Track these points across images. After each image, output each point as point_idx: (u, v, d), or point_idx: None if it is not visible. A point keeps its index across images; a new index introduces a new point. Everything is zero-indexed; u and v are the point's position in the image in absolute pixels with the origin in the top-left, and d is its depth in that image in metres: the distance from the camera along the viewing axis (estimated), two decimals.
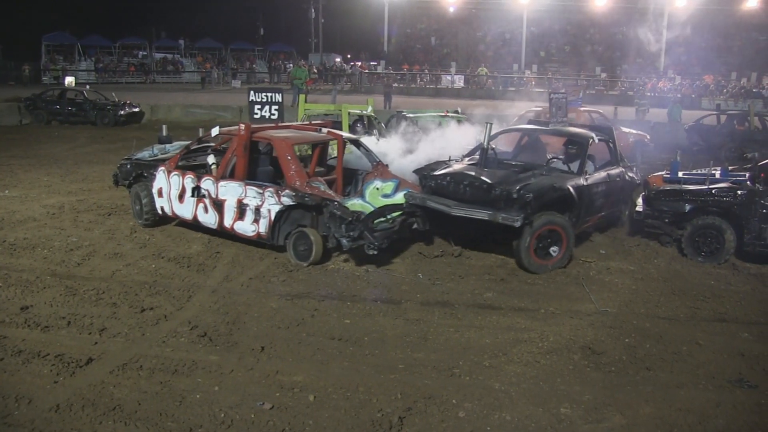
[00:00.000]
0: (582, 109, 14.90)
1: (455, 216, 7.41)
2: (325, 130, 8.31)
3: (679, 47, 43.16)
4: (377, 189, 8.01)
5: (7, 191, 10.78)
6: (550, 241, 7.30)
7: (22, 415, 4.22)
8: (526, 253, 7.20)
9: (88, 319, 5.73)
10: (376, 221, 7.33)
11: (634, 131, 14.87)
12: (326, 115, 12.53)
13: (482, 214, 7.20)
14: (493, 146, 8.59)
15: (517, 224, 6.98)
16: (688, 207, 7.99)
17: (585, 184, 7.89)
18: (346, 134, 8.61)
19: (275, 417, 4.29)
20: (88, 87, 24.79)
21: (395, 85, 35.31)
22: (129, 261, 7.38)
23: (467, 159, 8.70)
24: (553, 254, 7.34)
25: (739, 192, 7.78)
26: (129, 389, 4.57)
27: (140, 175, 8.71)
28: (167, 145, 9.86)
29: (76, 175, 12.50)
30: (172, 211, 8.36)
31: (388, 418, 4.30)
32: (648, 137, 15.31)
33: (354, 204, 7.55)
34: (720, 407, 4.57)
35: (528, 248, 7.18)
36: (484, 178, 7.52)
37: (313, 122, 9.07)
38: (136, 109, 22.49)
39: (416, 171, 8.37)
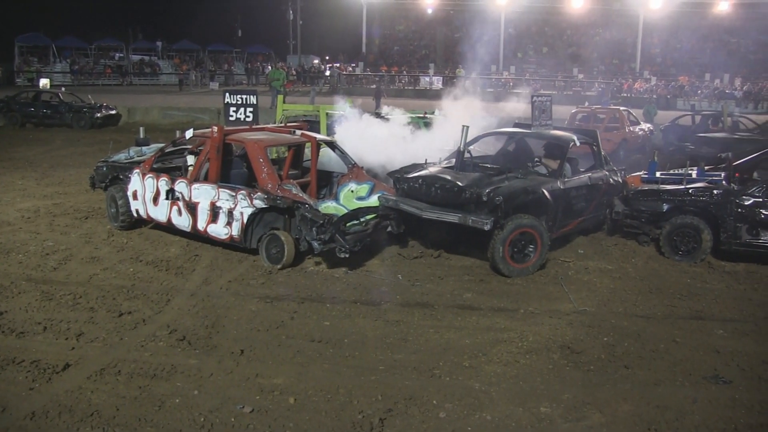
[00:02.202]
0: (620, 107, 18.04)
1: (427, 219, 7.41)
2: (298, 132, 8.29)
3: (654, 49, 43.81)
4: (352, 191, 8.00)
5: None
6: (524, 244, 7.25)
7: None
8: (501, 257, 7.13)
9: (64, 324, 5.65)
10: (348, 224, 7.31)
11: (649, 125, 18.08)
12: (304, 115, 12.50)
13: (452, 217, 7.19)
14: (470, 149, 8.59)
15: (487, 227, 6.93)
16: (665, 206, 8.09)
17: (562, 187, 7.87)
18: (320, 136, 8.59)
19: (255, 420, 4.26)
20: (63, 89, 24.53)
21: (372, 86, 35.28)
22: (106, 265, 7.30)
23: (445, 162, 8.65)
24: (528, 258, 7.29)
25: (715, 191, 7.90)
26: (107, 394, 4.52)
27: (116, 177, 8.63)
28: (144, 148, 9.78)
29: (52, 178, 12.34)
30: (147, 213, 8.29)
31: (368, 420, 4.30)
32: (651, 127, 18.18)
33: (328, 207, 7.53)
34: (696, 403, 4.64)
35: (502, 251, 7.12)
36: (455, 180, 7.51)
37: (287, 124, 9.03)
38: (113, 112, 22.22)
39: (390, 174, 8.36)
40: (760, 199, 7.67)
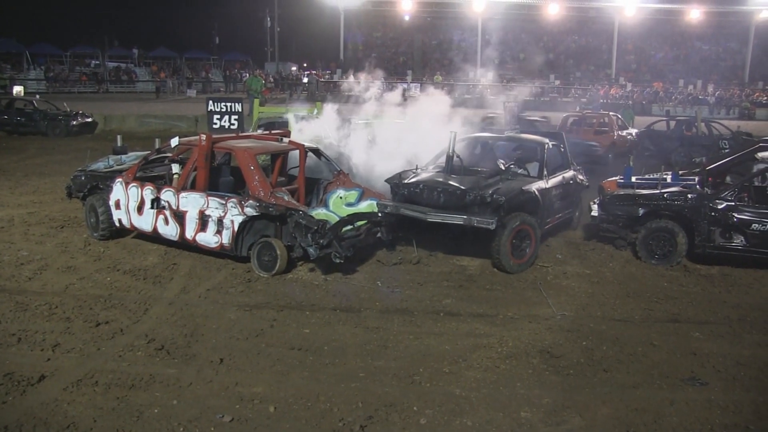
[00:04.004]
0: (610, 113, 18.85)
1: (430, 222, 7.58)
2: (286, 139, 8.28)
3: (629, 55, 44.44)
4: (341, 198, 8.01)
5: None
6: (521, 240, 7.60)
7: None
8: (505, 254, 7.44)
9: (40, 335, 5.57)
10: (343, 229, 7.34)
11: (636, 130, 18.98)
12: (279, 117, 12.58)
13: (457, 219, 7.42)
14: (458, 154, 8.73)
15: (492, 226, 7.24)
16: (641, 211, 8.19)
17: (546, 186, 8.28)
18: (307, 144, 8.58)
19: (235, 429, 4.24)
20: (37, 96, 24.18)
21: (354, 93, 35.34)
22: (83, 274, 7.21)
23: (432, 167, 8.80)
24: (524, 253, 7.65)
25: (689, 196, 8.01)
26: (84, 406, 4.46)
27: (95, 186, 8.50)
28: (123, 156, 9.67)
29: (26, 187, 12.16)
30: (131, 223, 8.18)
31: (349, 427, 4.29)
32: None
33: (318, 213, 7.54)
34: (674, 405, 4.69)
35: (507, 248, 7.43)
36: (456, 184, 7.75)
37: (273, 132, 9.02)
38: (89, 119, 21.93)
39: (388, 180, 8.45)
40: (733, 203, 7.80)
